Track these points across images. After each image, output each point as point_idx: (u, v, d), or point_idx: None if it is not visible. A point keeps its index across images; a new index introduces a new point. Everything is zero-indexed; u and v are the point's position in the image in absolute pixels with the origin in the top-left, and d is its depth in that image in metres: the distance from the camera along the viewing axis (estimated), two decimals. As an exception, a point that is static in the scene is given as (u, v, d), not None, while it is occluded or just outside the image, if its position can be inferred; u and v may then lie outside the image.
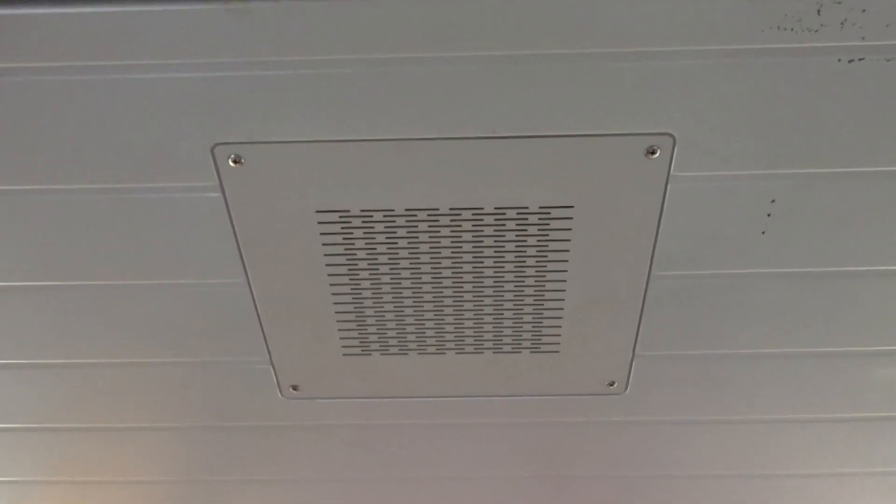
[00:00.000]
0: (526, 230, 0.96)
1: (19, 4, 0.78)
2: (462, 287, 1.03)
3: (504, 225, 0.96)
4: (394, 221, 0.96)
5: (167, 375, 1.17)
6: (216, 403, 1.21)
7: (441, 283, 1.02)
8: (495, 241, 0.97)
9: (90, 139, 0.88)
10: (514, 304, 1.05)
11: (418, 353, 1.12)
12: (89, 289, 1.04)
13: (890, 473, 1.35)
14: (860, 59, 0.81)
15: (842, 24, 0.78)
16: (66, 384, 1.18)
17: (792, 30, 0.79)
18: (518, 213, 0.95)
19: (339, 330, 1.09)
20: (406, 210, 0.94)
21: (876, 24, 0.78)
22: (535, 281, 1.02)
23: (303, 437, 1.27)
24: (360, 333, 1.10)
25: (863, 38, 0.79)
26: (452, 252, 0.99)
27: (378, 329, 1.09)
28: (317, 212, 0.95)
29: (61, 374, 1.16)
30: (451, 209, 0.94)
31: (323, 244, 0.98)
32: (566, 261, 1.00)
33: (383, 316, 1.07)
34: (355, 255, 0.99)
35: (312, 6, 0.78)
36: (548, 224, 0.96)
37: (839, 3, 0.77)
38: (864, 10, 0.77)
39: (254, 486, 1.38)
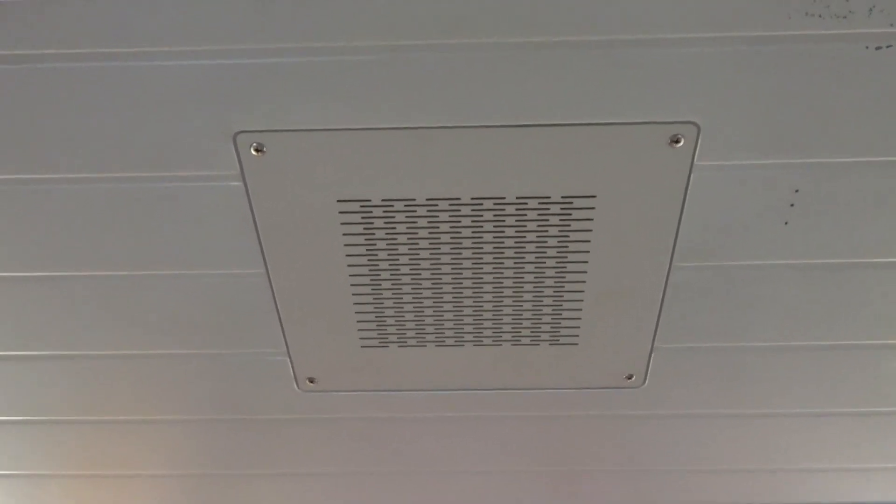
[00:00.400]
0: (547, 220, 0.96)
1: (41, -10, 0.78)
2: (482, 278, 1.02)
3: (525, 215, 0.95)
4: (415, 211, 0.95)
5: (183, 367, 1.16)
6: (232, 396, 1.21)
7: (461, 273, 1.02)
8: (516, 232, 0.97)
9: (112, 128, 0.88)
10: (534, 296, 1.05)
11: (436, 346, 1.12)
12: (107, 279, 1.04)
13: (909, 468, 1.34)
14: (888, 47, 0.80)
15: (870, 10, 0.78)
16: (82, 376, 1.17)
17: (820, 16, 0.78)
18: (540, 203, 0.94)
19: (358, 322, 1.08)
20: (427, 199, 0.94)
21: (905, 11, 0.78)
22: (556, 272, 1.01)
23: (319, 431, 1.26)
24: (378, 325, 1.09)
25: (891, 25, 0.79)
26: (473, 242, 0.98)
27: (396, 321, 1.08)
28: (338, 201, 0.94)
29: (77, 365, 1.16)
30: (472, 199, 0.94)
31: (343, 234, 0.97)
32: (587, 251, 0.99)
33: (402, 307, 1.06)
34: (375, 245, 0.99)
35: (335, -7, 0.78)
36: (570, 214, 0.95)
37: (868, -11, 0.76)
38: (892, -4, 0.77)
39: (269, 479, 1.38)
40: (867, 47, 0.80)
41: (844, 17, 0.78)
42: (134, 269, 1.03)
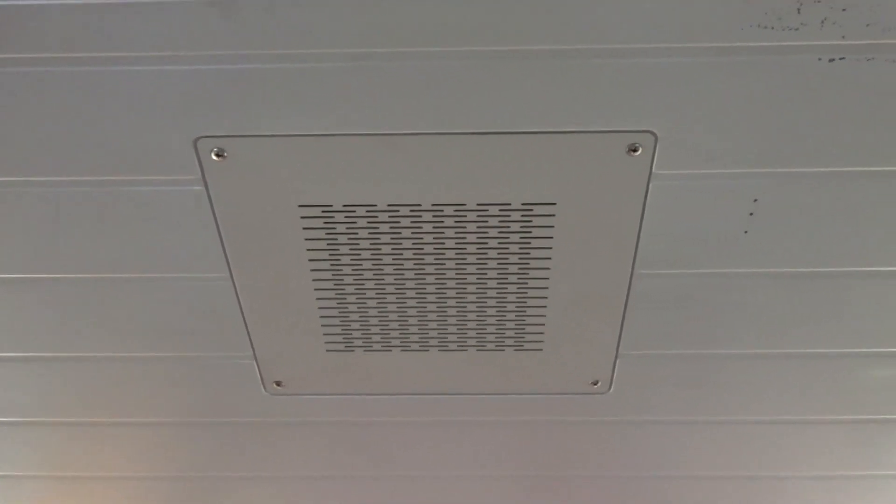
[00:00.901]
0: (508, 227, 0.96)
1: (1, -6, 0.78)
2: (445, 283, 1.03)
3: (487, 221, 0.96)
4: (376, 217, 0.96)
5: (150, 370, 1.16)
6: (200, 399, 1.21)
7: (424, 279, 1.02)
8: (478, 238, 0.98)
9: (72, 131, 0.88)
10: (497, 302, 1.05)
11: (402, 350, 1.12)
12: (70, 282, 1.04)
13: (876, 476, 1.35)
14: (841, 59, 0.81)
15: (822, 22, 0.78)
16: (46, 379, 1.18)
17: (773, 28, 0.79)
18: (500, 210, 0.95)
19: (323, 325, 1.09)
20: (388, 205, 0.94)
21: (856, 24, 0.78)
22: (518, 278, 1.02)
23: (287, 434, 1.27)
24: (343, 329, 1.10)
25: (843, 37, 0.79)
26: (435, 248, 0.99)
27: (361, 325, 1.09)
28: (299, 206, 0.95)
29: (41, 368, 1.16)
30: (433, 205, 0.94)
31: (306, 238, 0.98)
32: (549, 258, 1.00)
33: (366, 312, 1.07)
34: (338, 250, 0.99)
35: None
36: (530, 221, 0.96)
37: (819, 1, 0.77)
38: (843, 10, 0.77)
39: (238, 482, 1.38)
40: (820, 59, 0.81)
41: (796, 30, 0.79)
42: (99, 272, 1.03)
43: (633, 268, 1.01)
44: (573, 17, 0.79)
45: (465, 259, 1.00)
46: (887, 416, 1.22)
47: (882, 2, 0.76)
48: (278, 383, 1.18)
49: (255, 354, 1.14)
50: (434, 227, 0.96)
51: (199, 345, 1.12)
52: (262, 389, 1.19)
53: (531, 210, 0.95)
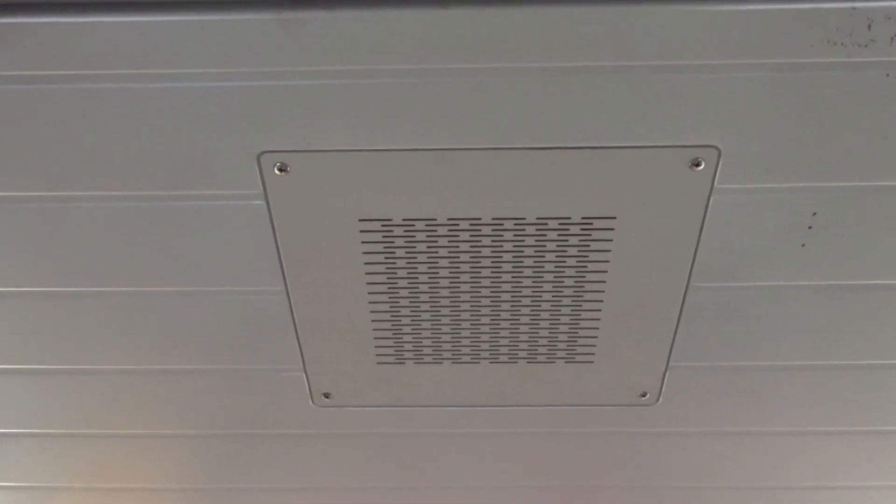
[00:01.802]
0: (567, 241, 0.96)
1: (72, 13, 0.78)
2: (500, 297, 1.03)
3: (545, 235, 0.96)
4: (435, 231, 0.96)
5: (201, 382, 1.16)
6: (248, 411, 1.21)
7: (479, 292, 1.02)
8: (536, 252, 0.98)
9: (134, 147, 0.88)
10: (551, 315, 1.05)
11: (452, 363, 1.13)
12: (125, 295, 1.04)
13: (920, 487, 1.35)
14: (909, 74, 0.81)
15: (892, 38, 0.79)
16: (94, 390, 1.18)
17: (842, 44, 0.79)
18: (560, 224, 0.95)
19: (375, 338, 1.09)
20: (448, 219, 0.95)
21: (926, 40, 0.79)
22: (574, 291, 1.02)
23: (333, 446, 1.27)
24: (395, 342, 1.10)
25: (912, 54, 0.80)
26: (492, 262, 0.99)
27: (413, 338, 1.09)
28: (360, 220, 0.95)
29: (96, 379, 1.16)
30: (493, 219, 0.95)
31: (364, 252, 0.98)
32: (605, 271, 1.00)
33: (419, 325, 1.07)
34: (395, 263, 0.99)
35: (361, 16, 0.78)
36: (589, 235, 0.96)
37: (889, 18, 0.77)
38: (914, 26, 0.78)
39: (282, 494, 1.38)
40: (888, 75, 0.81)
41: (866, 46, 0.79)
42: (156, 285, 1.03)
43: (688, 281, 1.01)
44: (638, 33, 0.79)
45: (521, 272, 1.00)
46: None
47: (953, 18, 0.77)
48: (326, 395, 1.18)
49: (304, 367, 1.14)
50: (493, 241, 0.97)
51: (251, 357, 1.13)
52: (311, 402, 1.19)
53: (591, 224, 0.95)
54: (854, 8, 0.77)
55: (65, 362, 1.14)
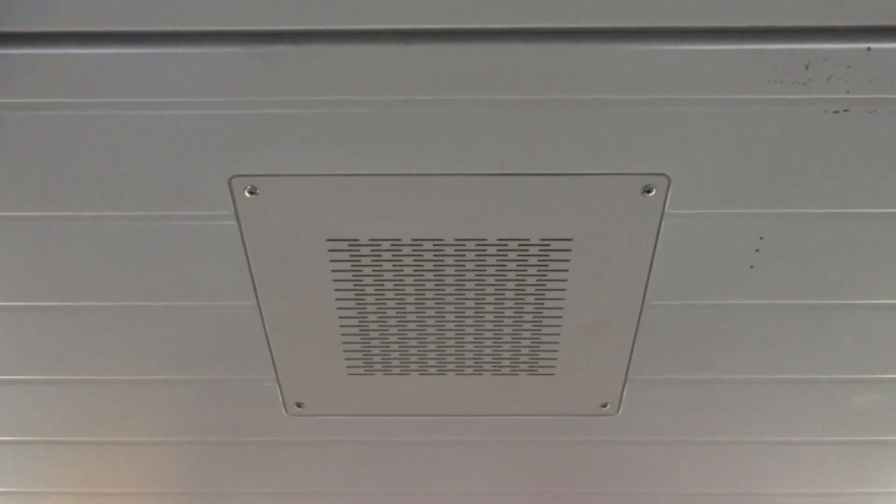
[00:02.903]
0: (526, 261, 1.01)
1: (51, 45, 0.82)
2: (464, 313, 1.07)
3: (506, 255, 1.00)
4: (401, 250, 1.00)
5: (178, 392, 1.20)
6: (223, 419, 1.25)
7: (444, 308, 1.07)
8: (497, 271, 1.02)
9: (115, 171, 0.92)
10: (514, 330, 1.10)
11: (420, 374, 1.17)
12: (107, 310, 1.08)
13: (870, 494, 1.40)
14: (845, 111, 0.86)
15: (828, 78, 0.83)
16: (78, 400, 1.22)
17: (782, 82, 0.84)
18: (519, 245, 0.99)
19: (345, 351, 1.13)
20: (413, 240, 0.99)
21: (860, 79, 0.83)
22: (534, 308, 1.07)
23: (306, 453, 1.31)
24: (364, 354, 1.14)
25: (847, 92, 0.84)
26: (456, 280, 1.03)
27: (382, 350, 1.13)
28: (327, 240, 0.99)
29: (74, 390, 1.20)
30: (455, 240, 0.99)
31: (332, 270, 1.02)
32: (564, 290, 1.04)
33: (387, 338, 1.11)
34: (363, 280, 1.04)
35: (328, 51, 0.82)
36: (547, 255, 1.00)
37: (826, 59, 0.82)
38: (849, 67, 0.82)
39: (258, 499, 1.42)
40: (825, 111, 0.86)
41: (804, 84, 0.84)
42: (135, 300, 1.07)
43: (643, 299, 1.06)
44: (594, 70, 0.83)
45: (484, 290, 1.04)
46: (879, 438, 1.28)
47: (884, 60, 0.81)
48: (299, 405, 1.22)
49: (277, 377, 1.18)
50: (456, 261, 1.01)
51: (225, 368, 1.17)
52: (284, 411, 1.23)
53: (549, 245, 0.99)
54: (792, 49, 0.81)
55: (47, 373, 1.18)
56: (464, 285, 1.04)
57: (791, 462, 1.32)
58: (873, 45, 0.81)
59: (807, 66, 0.82)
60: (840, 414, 1.23)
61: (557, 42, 0.82)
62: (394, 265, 1.02)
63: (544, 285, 1.04)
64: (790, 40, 0.81)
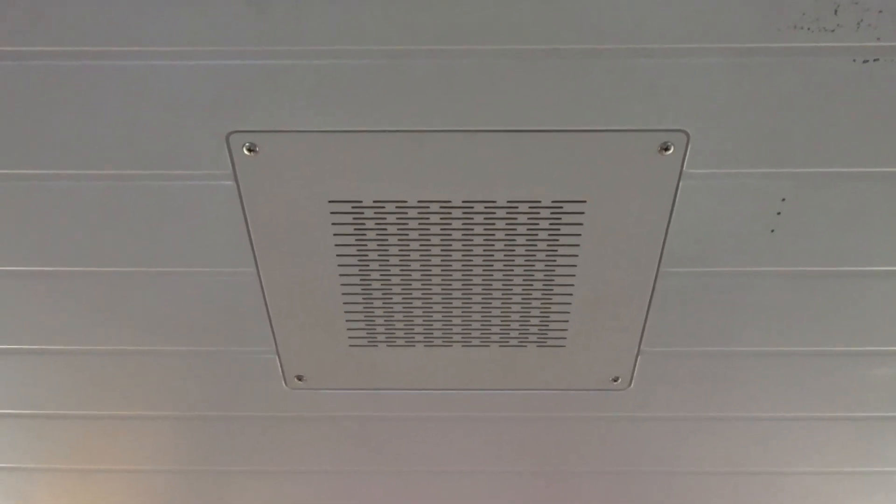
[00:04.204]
0: (537, 224, 0.97)
1: (38, -13, 0.78)
2: (471, 280, 1.03)
3: (516, 218, 0.96)
4: (406, 213, 0.96)
5: (172, 364, 1.16)
6: (221, 393, 1.21)
7: (451, 275, 1.03)
8: (506, 235, 0.98)
9: (106, 125, 0.88)
10: (523, 298, 1.05)
11: (425, 346, 1.13)
12: (95, 275, 1.04)
13: (890, 472, 1.36)
14: (875, 60, 0.82)
15: (858, 24, 0.79)
16: (71, 371, 1.18)
17: (808, 29, 0.79)
18: (530, 207, 0.95)
19: (347, 321, 1.09)
20: (418, 202, 0.95)
21: (891, 25, 0.79)
22: (545, 275, 1.02)
23: (307, 428, 1.27)
24: (367, 324, 1.10)
25: (878, 39, 0.80)
26: (463, 245, 0.99)
27: (385, 320, 1.09)
28: (329, 202, 0.95)
29: (67, 360, 1.16)
30: (463, 202, 0.95)
31: (334, 234, 0.98)
32: (576, 255, 1.00)
33: (391, 307, 1.07)
34: (366, 245, 0.99)
35: (330, -4, 0.78)
36: (559, 218, 0.96)
37: (856, 3, 0.77)
38: (880, 11, 0.78)
39: (257, 476, 1.38)
40: (854, 60, 0.82)
41: (832, 31, 0.79)
42: (126, 266, 1.03)
43: (658, 266, 1.01)
44: (607, 17, 0.79)
45: (492, 255, 1.00)
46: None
47: (919, 4, 0.77)
48: (300, 378, 1.18)
49: (277, 349, 1.14)
50: (463, 224, 0.97)
51: (223, 339, 1.12)
52: (284, 384, 1.19)
53: (561, 208, 0.95)
54: (821, -7, 0.77)
55: (36, 342, 1.14)
56: (471, 250, 1.00)
57: (810, 439, 1.28)
58: (907, -12, 0.76)
59: (835, 11, 0.78)
60: (861, 388, 1.18)
61: (570, -11, 0.77)
62: (399, 229, 0.97)
63: (556, 250, 0.99)
64: (819, -18, 0.77)
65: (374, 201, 0.95)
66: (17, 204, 0.96)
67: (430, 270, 1.02)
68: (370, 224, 0.97)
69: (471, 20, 0.80)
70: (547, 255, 1.00)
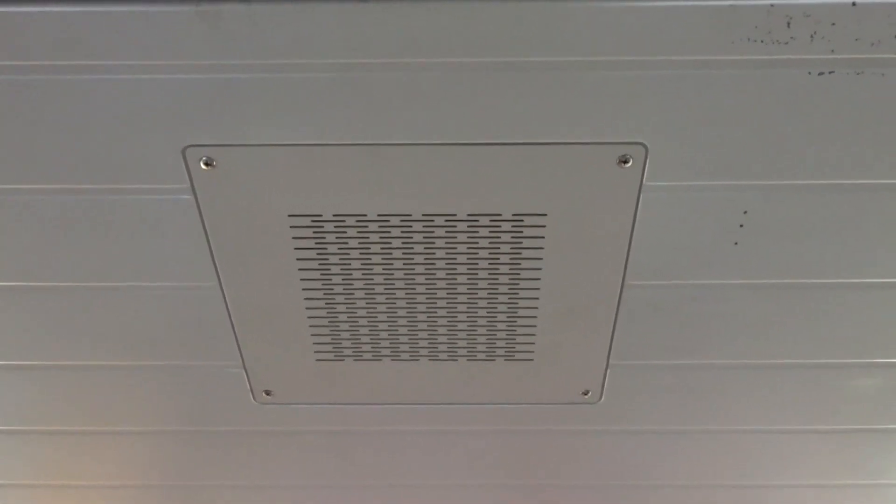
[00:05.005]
0: (499, 237, 0.96)
1: (-11, 2, 0.78)
2: (435, 293, 1.03)
3: (477, 232, 0.96)
4: (366, 227, 0.95)
5: (139, 379, 1.16)
6: (189, 408, 1.20)
7: (414, 289, 1.02)
8: (468, 248, 0.97)
9: (59, 140, 0.87)
10: (488, 312, 1.05)
11: (392, 360, 1.12)
12: (59, 290, 1.03)
13: (860, 486, 1.35)
14: (830, 73, 0.81)
15: (811, 36, 0.79)
16: (33, 387, 1.17)
17: (762, 41, 0.79)
18: (491, 220, 0.95)
19: (312, 335, 1.08)
20: (379, 215, 0.94)
21: (845, 38, 0.78)
22: (509, 288, 1.02)
23: (276, 443, 1.26)
24: (333, 339, 1.09)
25: (832, 51, 0.79)
26: (426, 258, 0.98)
27: (351, 334, 1.08)
28: (289, 216, 0.94)
29: (28, 376, 1.15)
30: (423, 215, 0.94)
31: (295, 248, 0.97)
32: (539, 269, 0.99)
33: (356, 321, 1.07)
34: (328, 259, 0.99)
35: (281, 9, 0.78)
36: (521, 231, 0.96)
37: (808, 15, 0.77)
38: (833, 24, 0.77)
39: (228, 491, 1.37)
40: (809, 73, 0.81)
41: (786, 43, 0.79)
42: (87, 281, 1.02)
43: (623, 279, 1.01)
44: (564, 29, 0.79)
45: (455, 269, 1.00)
46: (872, 426, 1.23)
47: (870, 17, 0.77)
48: (267, 392, 1.18)
49: (244, 364, 1.13)
50: (424, 237, 0.96)
51: (188, 354, 1.12)
52: (252, 398, 1.19)
53: (522, 221, 0.94)
54: (772, 5, 0.77)
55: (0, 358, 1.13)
56: (434, 264, 0.99)
57: (783, 452, 1.27)
58: (858, 0, 0.76)
59: (788, 24, 0.78)
60: (834, 400, 1.17)
61: (526, 0, 0.77)
62: (360, 242, 0.97)
63: (518, 263, 0.99)
64: (770, -6, 0.76)
65: (334, 215, 0.94)
66: (-28, 219, 0.96)
67: (393, 284, 1.01)
68: (331, 238, 0.96)
69: (428, 33, 0.79)
70: (510, 269, 0.99)
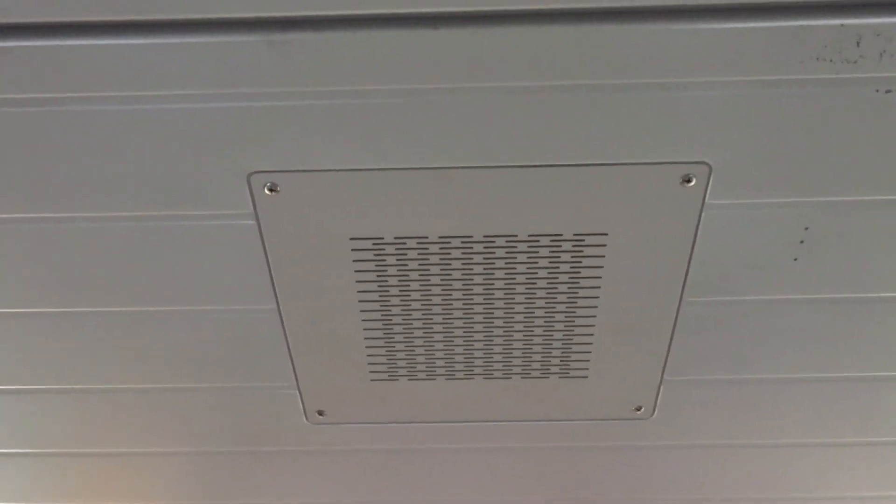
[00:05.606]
0: (559, 257, 0.96)
1: (62, 37, 0.78)
2: (493, 314, 1.03)
3: (537, 252, 0.96)
4: (427, 249, 0.95)
5: (193, 400, 1.16)
6: (242, 428, 1.21)
7: (472, 309, 1.02)
8: (528, 269, 0.97)
9: (130, 168, 0.88)
10: (545, 331, 1.05)
11: (446, 379, 1.12)
12: (116, 315, 1.04)
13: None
14: (898, 90, 0.81)
15: (881, 55, 0.79)
16: (85, 410, 1.17)
17: (831, 61, 0.79)
18: (552, 241, 0.95)
19: (368, 356, 1.09)
20: (440, 237, 0.94)
21: (914, 56, 0.78)
22: (567, 307, 1.02)
23: (327, 462, 1.26)
24: (388, 359, 1.09)
25: (901, 69, 0.80)
26: (485, 279, 0.99)
27: (406, 354, 1.09)
28: (350, 239, 0.95)
29: (81, 399, 1.16)
30: (484, 236, 0.94)
31: (355, 271, 0.98)
32: (598, 287, 0.99)
33: (412, 342, 1.07)
34: (387, 281, 0.99)
35: (349, 37, 0.78)
36: (581, 251, 0.96)
37: (878, 34, 0.77)
38: (903, 42, 0.78)
39: (277, 511, 1.38)
40: (877, 90, 0.81)
41: (855, 62, 0.79)
42: (149, 305, 1.03)
43: (681, 295, 1.01)
44: (628, 51, 0.79)
45: (514, 289, 1.00)
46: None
47: (941, 35, 0.77)
48: (320, 412, 1.18)
49: (298, 384, 1.13)
50: (485, 259, 0.96)
51: (244, 375, 1.12)
52: (304, 419, 1.19)
53: (583, 240, 0.95)
54: (843, 25, 0.77)
55: (58, 382, 1.14)
56: (493, 284, 0.99)
57: (836, 464, 1.27)
58: (930, 19, 0.76)
59: (858, 43, 0.78)
60: (888, 414, 1.17)
61: (589, 23, 0.77)
62: (420, 264, 0.97)
63: (577, 283, 0.99)
64: (841, 14, 0.76)
65: (396, 238, 0.95)
66: (38, 246, 0.96)
67: (451, 305, 1.02)
68: (391, 260, 0.97)
69: (489, 57, 0.79)
70: (569, 288, 1.00)
